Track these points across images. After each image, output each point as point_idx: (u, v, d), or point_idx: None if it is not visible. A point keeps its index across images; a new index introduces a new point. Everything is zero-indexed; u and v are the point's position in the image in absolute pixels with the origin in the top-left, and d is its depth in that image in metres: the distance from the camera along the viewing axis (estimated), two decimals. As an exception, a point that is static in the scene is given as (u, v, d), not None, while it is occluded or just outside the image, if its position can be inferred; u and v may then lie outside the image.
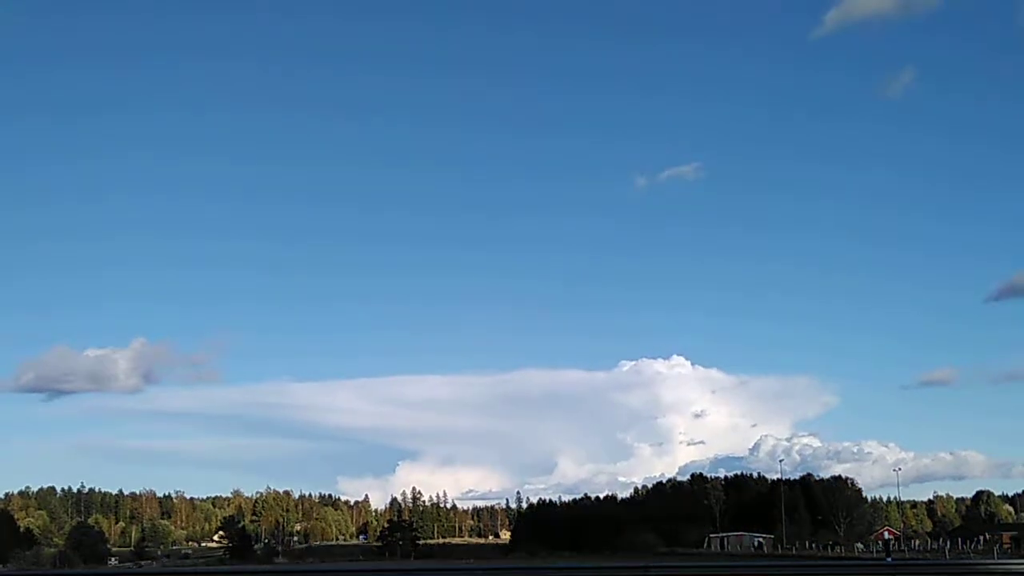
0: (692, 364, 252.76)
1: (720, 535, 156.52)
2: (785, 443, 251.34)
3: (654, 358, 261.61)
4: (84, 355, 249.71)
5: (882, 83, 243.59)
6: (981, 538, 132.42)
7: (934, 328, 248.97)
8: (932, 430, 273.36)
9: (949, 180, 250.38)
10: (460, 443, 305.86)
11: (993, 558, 79.16)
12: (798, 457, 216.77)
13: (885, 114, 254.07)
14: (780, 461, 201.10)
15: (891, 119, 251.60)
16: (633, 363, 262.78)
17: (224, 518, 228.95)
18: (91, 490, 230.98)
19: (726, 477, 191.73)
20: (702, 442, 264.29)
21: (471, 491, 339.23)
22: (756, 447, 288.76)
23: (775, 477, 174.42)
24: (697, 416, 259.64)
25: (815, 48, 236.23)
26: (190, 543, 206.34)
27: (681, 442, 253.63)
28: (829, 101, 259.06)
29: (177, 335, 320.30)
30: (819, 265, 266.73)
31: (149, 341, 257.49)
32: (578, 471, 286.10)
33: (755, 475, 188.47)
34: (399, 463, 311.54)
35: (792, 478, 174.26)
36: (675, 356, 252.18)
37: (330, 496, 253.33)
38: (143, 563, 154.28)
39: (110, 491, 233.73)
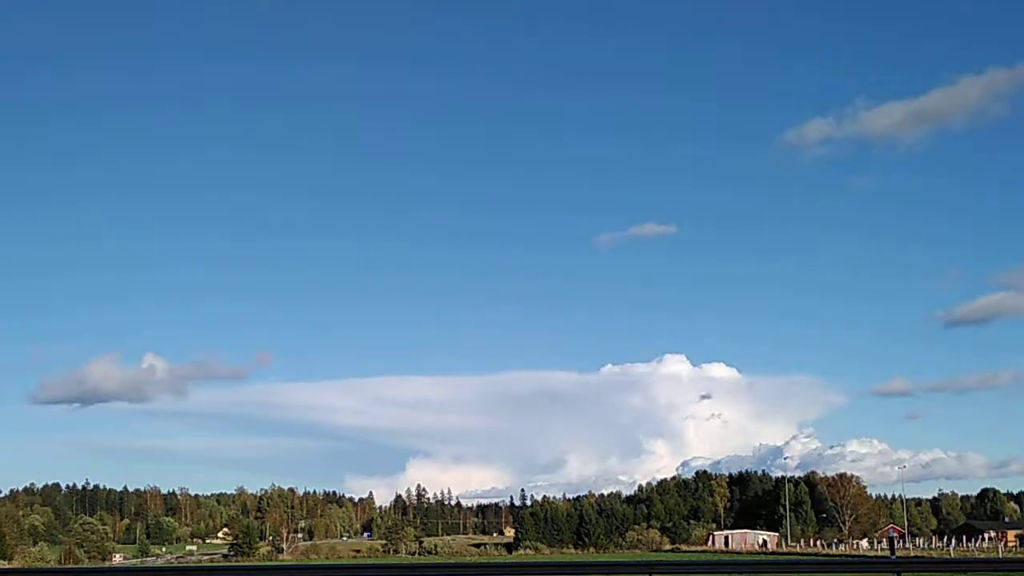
0: (694, 363, 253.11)
1: (725, 532, 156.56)
2: (789, 441, 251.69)
3: (656, 357, 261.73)
4: (118, 367, 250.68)
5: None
6: (986, 536, 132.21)
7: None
8: (933, 429, 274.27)
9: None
10: (464, 443, 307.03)
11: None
12: (802, 455, 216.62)
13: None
14: (784, 459, 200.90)
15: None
16: (635, 362, 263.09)
17: (228, 515, 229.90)
18: (95, 487, 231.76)
19: (731, 475, 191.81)
20: (706, 441, 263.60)
21: (475, 489, 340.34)
22: (760, 445, 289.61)
23: (779, 475, 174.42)
24: (701, 415, 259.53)
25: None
26: (195, 540, 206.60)
27: (685, 440, 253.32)
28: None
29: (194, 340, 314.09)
30: (819, 263, 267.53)
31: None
32: (582, 469, 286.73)
33: (759, 473, 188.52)
34: (409, 461, 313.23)
35: (796, 476, 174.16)
36: (678, 355, 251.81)
37: (335, 493, 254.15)
38: (147, 559, 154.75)
39: (115, 488, 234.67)
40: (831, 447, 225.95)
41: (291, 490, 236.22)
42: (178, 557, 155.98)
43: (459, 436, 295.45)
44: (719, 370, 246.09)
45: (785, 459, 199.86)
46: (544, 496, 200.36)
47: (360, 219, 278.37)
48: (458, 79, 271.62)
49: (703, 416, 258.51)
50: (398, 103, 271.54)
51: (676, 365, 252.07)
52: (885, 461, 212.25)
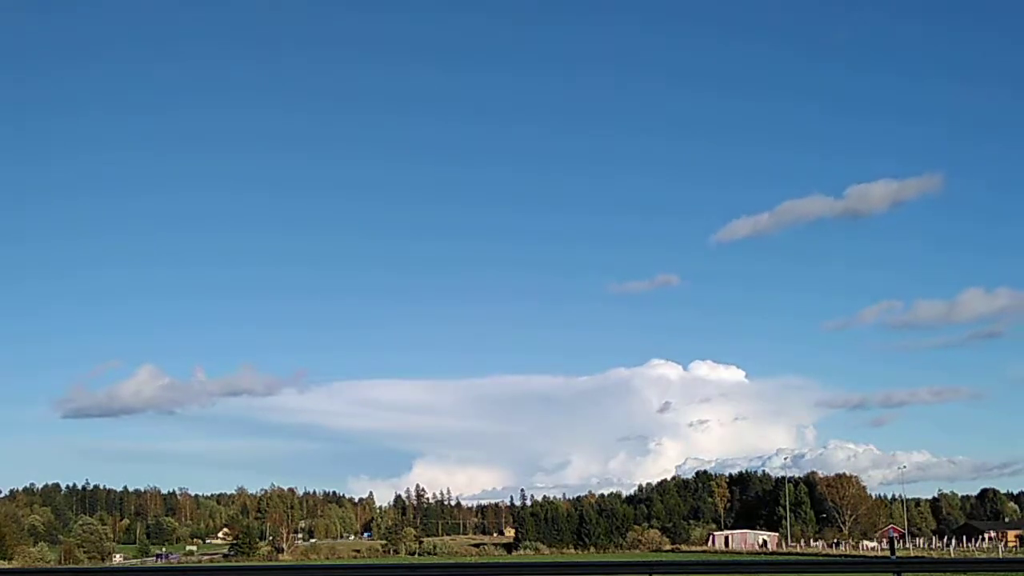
0: (692, 365, 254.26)
1: (725, 533, 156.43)
2: (790, 441, 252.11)
3: (654, 359, 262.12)
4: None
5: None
6: (986, 536, 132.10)
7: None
8: (932, 431, 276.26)
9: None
10: (465, 444, 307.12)
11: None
12: (802, 455, 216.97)
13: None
14: (784, 459, 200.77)
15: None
16: (634, 365, 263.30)
17: (228, 515, 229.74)
18: (96, 487, 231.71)
19: (730, 475, 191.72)
20: (705, 442, 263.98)
21: (476, 490, 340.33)
22: (761, 446, 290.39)
23: (780, 475, 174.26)
24: (699, 416, 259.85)
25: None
26: (195, 540, 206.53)
27: (684, 442, 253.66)
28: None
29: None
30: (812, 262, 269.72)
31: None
32: (582, 470, 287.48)
33: (759, 473, 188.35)
34: (411, 464, 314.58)
35: (796, 476, 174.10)
36: (677, 357, 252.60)
37: (335, 493, 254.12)
38: (147, 559, 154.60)
39: (115, 488, 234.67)
40: (823, 448, 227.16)
41: (291, 490, 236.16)
42: (178, 557, 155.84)
43: (459, 438, 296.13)
44: (717, 372, 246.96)
45: (786, 459, 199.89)
46: (544, 496, 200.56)
47: (362, 218, 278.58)
48: (450, 72, 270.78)
49: (702, 417, 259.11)
50: (404, 100, 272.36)
51: (674, 367, 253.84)
52: (888, 462, 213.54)
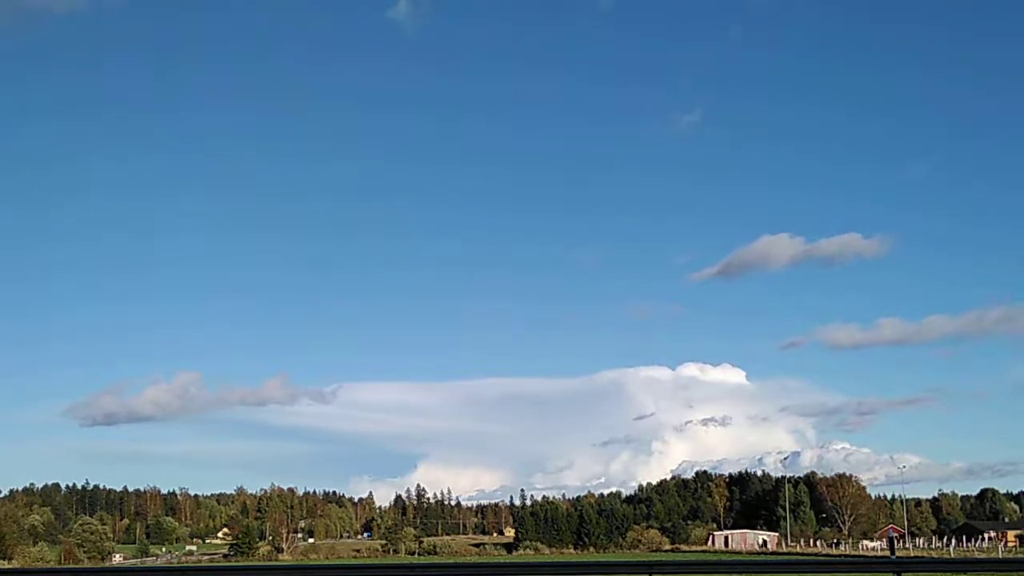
0: (687, 367, 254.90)
1: (725, 532, 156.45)
2: (789, 442, 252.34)
3: (653, 361, 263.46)
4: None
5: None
6: (986, 536, 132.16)
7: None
8: (930, 433, 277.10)
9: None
10: (465, 445, 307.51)
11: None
12: (799, 453, 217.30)
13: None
14: (784, 459, 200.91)
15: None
16: (633, 366, 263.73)
17: (228, 515, 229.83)
18: (95, 487, 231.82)
19: (730, 475, 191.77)
20: (705, 442, 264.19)
21: (476, 490, 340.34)
22: (760, 446, 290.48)
23: (779, 475, 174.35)
24: (699, 417, 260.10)
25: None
26: (195, 540, 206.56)
27: (685, 442, 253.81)
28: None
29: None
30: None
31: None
32: (582, 471, 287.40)
33: (759, 473, 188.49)
34: (412, 465, 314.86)
35: (796, 476, 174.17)
36: (677, 359, 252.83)
37: (335, 493, 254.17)
38: (147, 559, 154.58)
39: (114, 488, 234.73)
40: (822, 448, 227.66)
41: (291, 490, 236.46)
42: (178, 557, 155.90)
43: (460, 439, 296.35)
44: (717, 372, 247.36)
45: (786, 459, 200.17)
46: (544, 496, 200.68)
47: (363, 220, 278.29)
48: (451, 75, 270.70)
49: (701, 418, 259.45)
50: (403, 100, 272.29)
51: (672, 369, 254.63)
52: (889, 463, 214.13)
